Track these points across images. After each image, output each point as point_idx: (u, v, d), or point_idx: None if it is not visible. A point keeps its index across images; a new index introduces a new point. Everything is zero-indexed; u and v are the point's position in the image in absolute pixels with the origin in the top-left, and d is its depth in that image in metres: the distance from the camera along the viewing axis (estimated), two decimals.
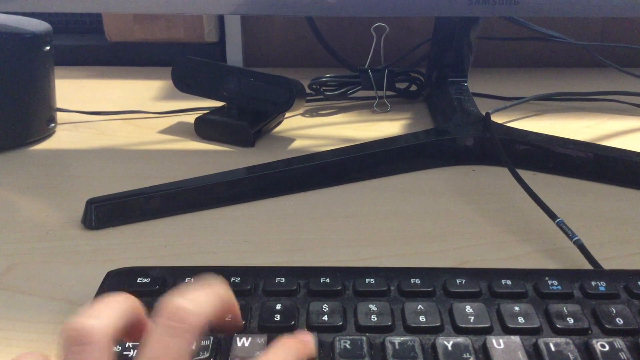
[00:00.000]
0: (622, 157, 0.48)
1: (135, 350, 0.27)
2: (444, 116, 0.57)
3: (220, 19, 0.82)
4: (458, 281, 0.31)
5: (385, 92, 0.65)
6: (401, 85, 0.67)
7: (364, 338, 0.27)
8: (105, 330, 0.21)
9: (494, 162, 0.50)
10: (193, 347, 0.22)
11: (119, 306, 0.23)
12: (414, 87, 0.67)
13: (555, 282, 0.31)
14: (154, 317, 0.22)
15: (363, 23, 0.78)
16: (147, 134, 0.58)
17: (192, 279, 0.31)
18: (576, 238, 0.37)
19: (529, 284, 0.31)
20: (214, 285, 0.25)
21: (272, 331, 0.28)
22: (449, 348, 0.27)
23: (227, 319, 0.26)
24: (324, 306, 0.29)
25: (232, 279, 0.31)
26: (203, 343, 0.27)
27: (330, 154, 0.49)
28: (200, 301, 0.23)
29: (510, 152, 0.49)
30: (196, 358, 0.26)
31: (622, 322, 0.28)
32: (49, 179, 0.49)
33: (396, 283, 0.31)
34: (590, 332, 0.28)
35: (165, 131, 0.59)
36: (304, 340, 0.26)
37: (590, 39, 0.83)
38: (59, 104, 0.58)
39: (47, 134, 0.57)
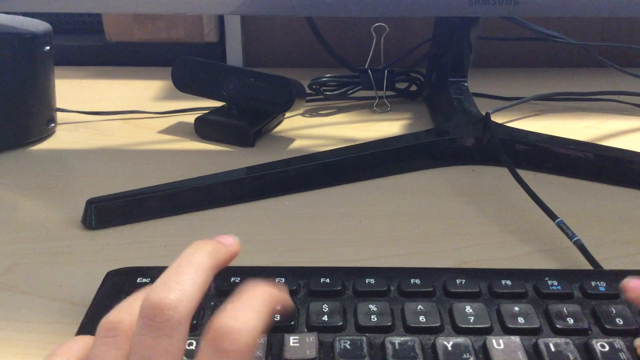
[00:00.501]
0: (622, 157, 0.48)
1: None
2: (444, 116, 0.57)
3: (220, 19, 0.82)
4: (458, 281, 0.31)
5: (385, 92, 0.65)
6: (401, 85, 0.67)
7: (364, 338, 0.27)
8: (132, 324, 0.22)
9: (494, 162, 0.50)
10: (185, 341, 0.21)
11: None
12: (413, 87, 0.67)
13: (555, 282, 0.31)
14: (138, 317, 0.22)
15: (363, 23, 0.78)
16: (147, 134, 0.58)
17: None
18: (576, 238, 0.37)
19: (529, 284, 0.31)
20: (196, 256, 0.23)
21: (271, 331, 0.28)
22: (449, 348, 0.27)
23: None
24: (324, 306, 0.29)
25: (232, 279, 0.31)
26: None
27: (330, 154, 0.49)
28: (184, 288, 0.22)
29: (510, 152, 0.49)
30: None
31: (621, 322, 0.28)
32: (49, 179, 0.49)
33: (396, 283, 0.31)
34: (590, 332, 0.28)
35: (165, 131, 0.59)
36: (274, 289, 0.24)
37: (590, 39, 0.83)
38: (58, 104, 0.58)
39: (47, 134, 0.57)
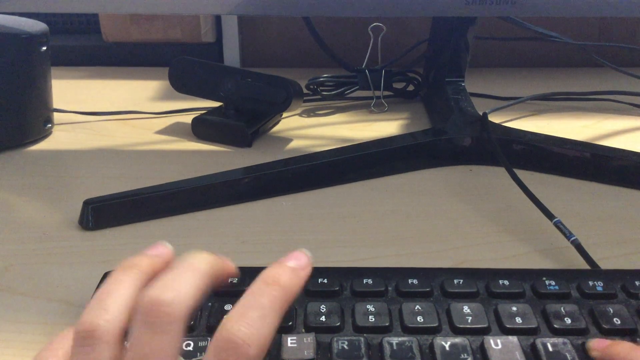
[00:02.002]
0: (619, 156, 0.48)
1: None
2: (441, 116, 0.57)
3: (218, 19, 0.82)
4: (456, 281, 0.31)
5: (382, 92, 0.65)
6: (398, 85, 0.67)
7: (362, 339, 0.27)
8: (113, 327, 0.21)
9: (491, 162, 0.50)
10: (180, 339, 0.21)
11: (130, 288, 0.23)
12: (411, 87, 0.67)
13: (553, 282, 0.31)
14: (133, 314, 0.22)
15: (360, 23, 0.78)
16: (144, 135, 0.58)
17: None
18: (573, 238, 0.37)
19: (527, 284, 0.31)
20: (195, 261, 0.24)
21: None
22: (447, 348, 0.27)
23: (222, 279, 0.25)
24: (321, 307, 0.29)
25: (230, 280, 0.31)
26: (200, 344, 0.27)
27: (327, 154, 0.49)
28: (181, 288, 0.22)
29: (507, 152, 0.49)
30: (193, 359, 0.26)
31: (619, 322, 0.28)
32: (46, 179, 0.49)
33: (394, 283, 0.31)
34: (588, 332, 0.28)
35: (162, 131, 0.59)
36: (294, 262, 0.25)
37: (587, 38, 0.83)
38: (55, 105, 0.58)
39: (43, 134, 0.56)
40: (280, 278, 0.24)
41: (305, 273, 0.25)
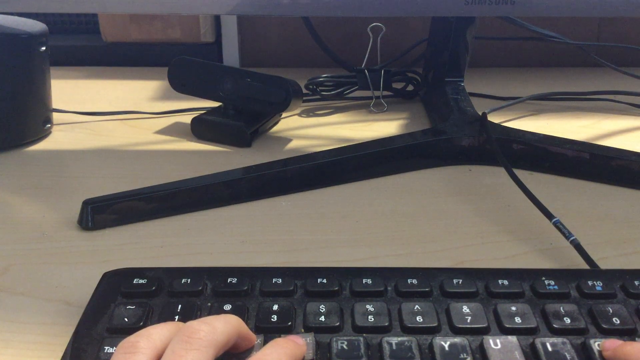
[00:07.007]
0: (619, 156, 0.48)
1: None
2: (441, 116, 0.57)
3: (217, 19, 0.82)
4: (455, 281, 0.31)
5: (381, 92, 0.65)
6: (398, 85, 0.67)
7: (361, 339, 0.27)
8: (154, 345, 0.24)
9: (490, 162, 0.50)
10: None
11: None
12: (410, 87, 0.67)
13: (552, 282, 0.31)
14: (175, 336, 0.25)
15: (359, 23, 0.78)
16: (143, 135, 0.58)
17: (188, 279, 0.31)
18: (573, 238, 0.37)
19: (526, 283, 0.31)
20: (229, 317, 0.26)
21: (269, 332, 0.28)
22: (446, 348, 0.27)
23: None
24: (321, 307, 0.29)
25: (229, 280, 0.31)
26: None
27: (327, 154, 0.49)
28: (217, 326, 0.25)
29: (506, 152, 0.49)
30: None
31: (619, 321, 0.28)
32: (45, 179, 0.49)
33: (393, 283, 0.31)
34: (587, 332, 0.28)
35: (161, 131, 0.59)
36: (297, 342, 0.27)
37: (586, 38, 0.83)
38: (54, 105, 0.58)
39: (43, 134, 0.56)
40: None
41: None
